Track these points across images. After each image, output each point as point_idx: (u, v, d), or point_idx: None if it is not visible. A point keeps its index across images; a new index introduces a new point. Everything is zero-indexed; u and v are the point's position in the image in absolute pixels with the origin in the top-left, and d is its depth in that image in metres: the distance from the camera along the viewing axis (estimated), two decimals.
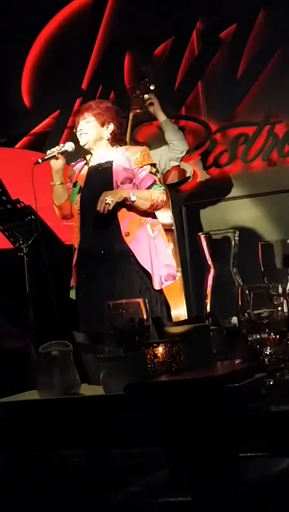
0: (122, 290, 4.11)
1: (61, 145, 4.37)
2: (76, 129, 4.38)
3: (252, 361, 1.93)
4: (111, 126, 4.33)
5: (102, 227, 4.19)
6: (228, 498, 1.70)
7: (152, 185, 4.26)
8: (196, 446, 1.72)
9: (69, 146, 4.35)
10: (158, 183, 4.33)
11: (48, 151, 4.34)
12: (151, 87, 5.31)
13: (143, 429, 1.79)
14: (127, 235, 4.16)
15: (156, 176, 4.35)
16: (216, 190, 5.85)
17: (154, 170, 4.36)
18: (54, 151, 4.31)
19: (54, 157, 4.29)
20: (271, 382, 1.86)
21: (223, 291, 2.15)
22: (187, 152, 5.43)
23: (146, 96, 5.31)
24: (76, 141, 4.37)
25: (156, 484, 2.19)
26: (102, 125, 4.32)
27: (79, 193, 4.30)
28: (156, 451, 2.24)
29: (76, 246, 4.29)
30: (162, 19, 5.99)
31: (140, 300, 2.07)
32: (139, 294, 4.11)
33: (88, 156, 4.41)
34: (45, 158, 4.31)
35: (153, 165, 4.37)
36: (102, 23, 6.30)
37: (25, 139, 6.41)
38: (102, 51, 6.31)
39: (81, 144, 4.34)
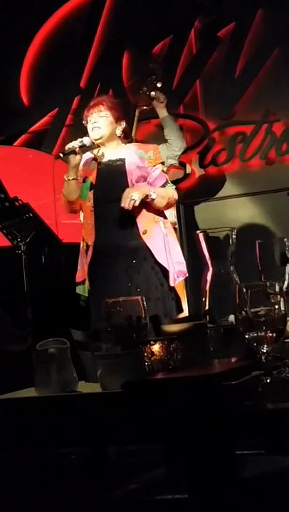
0: (138, 286, 4.14)
1: (80, 139, 4.32)
2: (87, 121, 4.34)
3: (249, 359, 1.93)
4: (123, 123, 4.34)
5: (117, 225, 4.21)
6: (224, 495, 1.70)
7: (165, 184, 4.31)
8: (192, 443, 1.72)
9: (88, 140, 4.28)
10: (169, 182, 4.37)
11: (67, 146, 4.26)
12: (158, 85, 5.30)
13: (140, 427, 1.80)
14: (144, 232, 4.20)
15: (166, 174, 4.40)
16: (213, 189, 5.86)
17: (164, 168, 4.40)
18: (74, 145, 4.24)
19: (74, 152, 4.25)
20: (268, 380, 1.86)
21: (221, 289, 2.16)
22: (185, 151, 5.43)
23: (152, 93, 5.31)
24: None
25: (154, 481, 2.19)
26: (116, 121, 4.32)
27: (91, 189, 4.29)
28: (153, 449, 2.24)
29: (90, 243, 4.28)
30: (161, 17, 5.98)
31: (137, 298, 2.07)
32: (155, 290, 4.16)
33: (95, 151, 4.39)
34: (66, 152, 4.23)
35: (162, 163, 4.40)
36: (100, 21, 6.30)
37: (23, 137, 6.40)
38: (100, 49, 6.30)
39: (93, 137, 4.30)
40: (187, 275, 4.22)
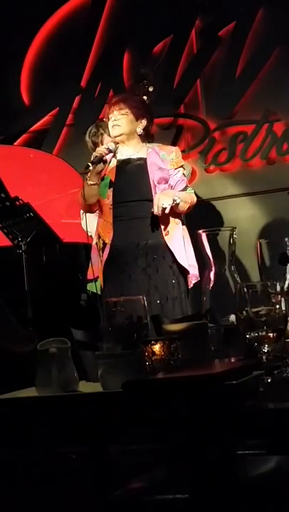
0: (156, 285, 4.15)
1: (105, 146, 4.29)
2: (108, 118, 4.35)
3: (250, 359, 1.93)
4: (144, 122, 4.34)
5: (136, 224, 4.22)
6: (225, 495, 1.70)
7: (186, 187, 4.32)
8: (193, 443, 1.72)
9: (113, 146, 4.29)
10: (189, 185, 4.39)
11: (94, 154, 4.22)
12: (150, 89, 5.33)
13: (141, 427, 1.80)
14: (167, 234, 4.22)
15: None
16: (214, 188, 5.85)
17: (185, 172, 4.42)
18: (102, 153, 4.22)
19: (101, 159, 4.23)
20: (269, 380, 1.86)
21: (221, 288, 2.15)
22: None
23: (144, 97, 5.33)
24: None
25: (154, 481, 2.19)
26: (137, 119, 4.32)
27: (110, 187, 4.28)
28: (154, 449, 2.24)
29: (108, 241, 4.28)
30: (161, 17, 5.98)
31: (139, 297, 2.07)
32: (172, 289, 4.18)
33: (114, 146, 4.38)
34: (94, 161, 4.18)
35: (182, 166, 4.40)
36: (101, 21, 6.30)
37: (24, 136, 6.41)
38: (101, 49, 6.30)
39: (113, 135, 4.31)
40: (199, 279, 4.23)
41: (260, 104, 5.70)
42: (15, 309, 4.34)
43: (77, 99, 6.27)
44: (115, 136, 4.31)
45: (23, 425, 1.91)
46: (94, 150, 4.58)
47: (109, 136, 4.52)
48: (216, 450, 1.70)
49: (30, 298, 4.58)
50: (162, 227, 4.22)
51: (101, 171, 4.26)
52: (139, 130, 4.34)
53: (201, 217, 5.81)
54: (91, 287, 4.32)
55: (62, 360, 1.97)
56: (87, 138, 4.73)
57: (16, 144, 6.37)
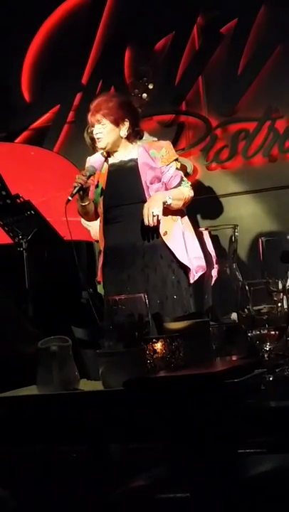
0: (155, 285, 4.14)
1: (84, 172, 4.24)
2: (91, 131, 4.34)
3: (251, 357, 1.93)
4: (126, 124, 4.27)
5: (132, 226, 4.19)
6: (226, 494, 1.70)
7: (180, 182, 4.28)
8: (194, 442, 1.71)
9: (92, 170, 4.24)
10: (184, 178, 4.34)
11: (74, 184, 4.17)
12: (150, 86, 5.33)
13: (142, 425, 1.79)
14: (165, 234, 4.19)
15: (180, 170, 4.38)
16: (216, 186, 5.85)
17: (178, 165, 4.37)
18: (80, 182, 4.15)
19: (82, 188, 4.20)
20: (271, 378, 1.85)
21: (223, 286, 2.15)
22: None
23: (144, 95, 5.32)
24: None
25: (155, 480, 2.19)
26: (117, 125, 4.25)
27: (101, 195, 4.28)
28: (155, 447, 2.24)
29: (101, 248, 4.29)
30: (163, 14, 5.98)
31: (140, 295, 2.06)
32: (172, 288, 4.16)
33: (106, 153, 4.37)
34: (74, 192, 4.15)
35: (176, 159, 4.36)
36: (102, 18, 6.29)
37: (25, 133, 6.40)
38: (102, 46, 6.30)
39: (100, 147, 4.28)
40: (206, 269, 4.21)
41: (262, 101, 5.70)
42: (16, 307, 4.34)
43: (78, 96, 6.26)
44: (102, 149, 4.29)
45: (24, 423, 1.90)
46: (91, 145, 4.56)
47: None
48: (217, 449, 1.70)
49: (31, 296, 4.57)
50: (159, 227, 4.19)
51: (87, 192, 4.24)
52: (123, 133, 4.28)
53: (203, 215, 5.83)
54: (99, 289, 4.35)
55: (63, 358, 1.96)
56: (85, 134, 4.73)
57: (16, 141, 6.37)
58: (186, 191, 4.27)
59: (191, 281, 4.21)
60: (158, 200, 4.12)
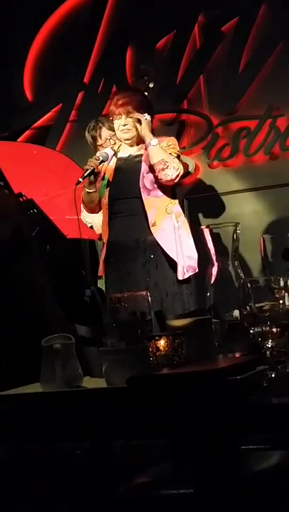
0: (156, 281, 4.15)
1: (97, 156, 4.28)
2: (113, 118, 4.34)
3: (253, 354, 1.94)
4: (148, 118, 4.34)
5: (134, 220, 4.21)
6: (229, 490, 1.70)
7: (175, 158, 4.29)
8: (197, 438, 1.72)
9: (105, 156, 4.29)
10: (180, 159, 4.37)
11: (86, 167, 4.23)
12: (150, 85, 5.34)
13: (145, 422, 1.80)
14: (154, 224, 4.19)
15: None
16: (217, 184, 5.85)
17: (190, 166, 4.40)
18: (92, 166, 4.22)
19: (93, 172, 4.23)
20: (273, 375, 1.86)
21: (225, 284, 2.16)
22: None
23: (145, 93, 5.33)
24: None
25: (159, 477, 2.20)
26: (140, 121, 4.31)
27: (107, 187, 4.30)
28: (158, 444, 2.25)
29: (104, 240, 4.30)
30: (164, 12, 5.98)
31: (143, 293, 2.07)
32: (172, 284, 4.17)
33: (116, 146, 4.40)
34: (86, 175, 4.21)
35: (178, 156, 4.37)
36: (104, 17, 6.29)
37: (27, 132, 6.40)
38: (104, 45, 6.30)
39: (124, 138, 4.32)
40: (197, 270, 4.21)
41: (263, 99, 5.69)
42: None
43: (80, 95, 6.26)
44: (126, 140, 4.32)
45: (27, 421, 1.91)
46: (92, 144, 4.59)
47: (108, 129, 4.55)
48: (220, 445, 1.71)
49: None
50: (149, 217, 4.19)
51: (96, 179, 4.27)
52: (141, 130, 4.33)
53: (204, 212, 5.83)
54: (100, 284, 4.36)
55: (67, 356, 1.97)
56: (86, 133, 4.74)
57: (19, 140, 6.37)
58: (176, 161, 4.26)
59: (180, 277, 4.19)
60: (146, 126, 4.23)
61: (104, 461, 2.27)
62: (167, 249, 4.18)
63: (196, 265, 4.22)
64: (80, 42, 6.35)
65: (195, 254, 4.23)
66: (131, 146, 4.35)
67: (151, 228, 4.19)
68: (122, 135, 4.32)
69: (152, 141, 4.19)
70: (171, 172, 4.20)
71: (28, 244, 2.93)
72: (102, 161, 4.26)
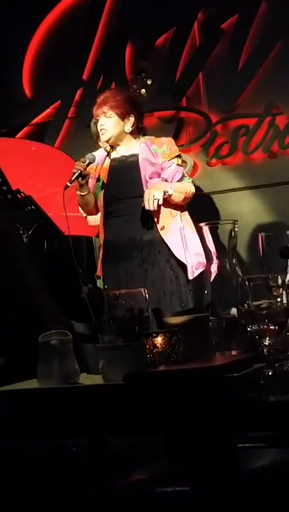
0: (153, 280, 4.15)
1: (84, 159, 4.28)
2: (96, 123, 4.35)
3: (251, 352, 1.93)
4: (132, 119, 4.32)
5: (130, 220, 4.21)
6: (226, 488, 1.70)
7: (182, 178, 4.30)
8: (194, 436, 1.72)
9: (91, 158, 4.28)
10: (186, 175, 4.36)
11: (73, 170, 4.23)
12: (149, 82, 5.34)
13: (142, 419, 1.80)
14: (162, 228, 4.21)
15: (182, 167, 4.39)
16: (216, 182, 5.85)
17: (180, 161, 4.38)
18: (79, 169, 4.21)
19: (80, 175, 4.22)
20: (270, 373, 1.86)
21: (223, 282, 2.15)
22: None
23: (142, 90, 5.33)
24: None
25: (155, 474, 2.19)
26: (123, 119, 4.29)
27: (102, 188, 4.29)
28: (155, 441, 2.24)
29: (101, 241, 4.31)
30: (163, 10, 5.97)
31: (140, 290, 2.07)
32: (170, 283, 4.17)
33: (109, 148, 4.39)
34: (73, 178, 4.21)
35: (178, 156, 4.37)
36: (103, 14, 6.28)
37: (26, 129, 6.40)
38: (103, 41, 6.29)
39: (103, 140, 4.31)
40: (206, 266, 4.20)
41: (262, 97, 5.69)
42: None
43: (79, 92, 6.26)
44: (105, 141, 4.32)
45: (23, 417, 1.91)
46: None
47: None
48: (217, 443, 1.71)
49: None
50: (156, 221, 4.20)
51: (87, 181, 4.26)
52: (128, 128, 4.32)
53: (203, 210, 5.83)
54: (99, 284, 4.36)
55: (64, 352, 1.97)
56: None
57: (17, 136, 6.36)
58: (188, 186, 4.30)
59: (190, 277, 4.21)
60: (160, 188, 4.15)
61: (101, 458, 2.27)
62: (176, 252, 4.20)
63: (204, 260, 4.20)
64: (79, 38, 6.34)
65: (202, 250, 4.24)
66: (115, 144, 4.33)
67: (160, 232, 4.21)
68: (101, 137, 4.32)
69: (168, 191, 4.17)
70: (193, 191, 4.35)
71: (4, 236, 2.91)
72: (89, 163, 4.24)
